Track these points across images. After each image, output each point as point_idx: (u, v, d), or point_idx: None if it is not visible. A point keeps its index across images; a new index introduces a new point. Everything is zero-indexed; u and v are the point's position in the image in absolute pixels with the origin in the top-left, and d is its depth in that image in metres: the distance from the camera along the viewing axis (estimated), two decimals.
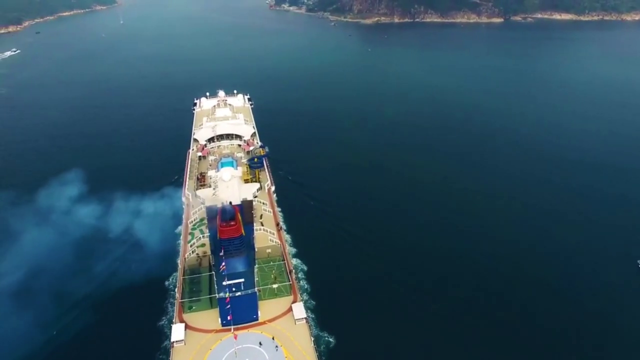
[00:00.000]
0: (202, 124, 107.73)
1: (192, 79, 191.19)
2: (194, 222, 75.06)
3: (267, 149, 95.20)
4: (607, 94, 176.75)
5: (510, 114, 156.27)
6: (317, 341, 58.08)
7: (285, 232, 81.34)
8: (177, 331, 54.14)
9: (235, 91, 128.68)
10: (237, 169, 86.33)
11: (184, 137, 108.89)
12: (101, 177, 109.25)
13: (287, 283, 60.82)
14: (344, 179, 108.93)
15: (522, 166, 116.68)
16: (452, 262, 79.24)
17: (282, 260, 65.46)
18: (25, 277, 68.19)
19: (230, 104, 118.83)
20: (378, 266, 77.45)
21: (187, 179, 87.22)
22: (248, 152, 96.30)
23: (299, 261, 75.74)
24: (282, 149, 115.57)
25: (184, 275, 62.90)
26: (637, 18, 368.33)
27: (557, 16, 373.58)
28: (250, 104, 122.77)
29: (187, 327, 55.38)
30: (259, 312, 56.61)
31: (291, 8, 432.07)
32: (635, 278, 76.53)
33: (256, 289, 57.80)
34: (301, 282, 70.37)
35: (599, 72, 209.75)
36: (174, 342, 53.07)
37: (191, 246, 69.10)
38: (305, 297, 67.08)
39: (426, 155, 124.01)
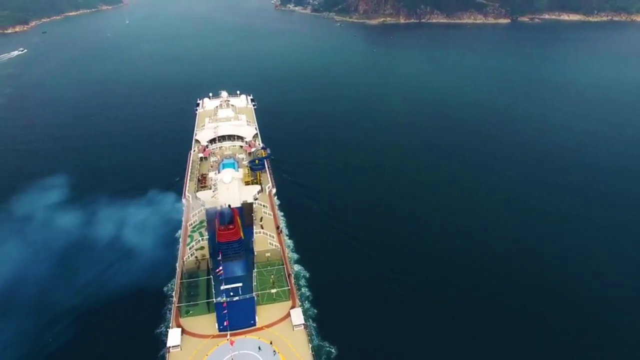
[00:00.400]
0: (204, 125, 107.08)
1: (196, 79, 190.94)
2: (193, 225, 74.23)
3: (268, 151, 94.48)
4: (617, 96, 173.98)
5: (516, 115, 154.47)
6: (318, 351, 57.08)
7: (287, 237, 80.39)
8: (174, 336, 53.26)
9: (238, 92, 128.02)
10: (238, 171, 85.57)
11: (187, 137, 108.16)
12: (102, 177, 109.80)
13: (286, 288, 59.74)
14: (348, 182, 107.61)
15: (525, 167, 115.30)
16: (460, 269, 77.24)
17: (282, 265, 64.40)
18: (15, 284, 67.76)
19: (232, 105, 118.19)
20: (383, 273, 75.49)
21: (188, 181, 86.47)
22: (250, 154, 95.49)
23: (300, 267, 74.12)
24: (284, 151, 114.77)
25: (181, 279, 61.99)
26: None
27: (565, 17, 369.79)
28: (253, 105, 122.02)
29: (183, 331, 54.49)
30: (256, 318, 55.58)
31: (296, 8, 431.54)
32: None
33: (254, 293, 56.95)
34: (302, 289, 68.94)
35: (609, 74, 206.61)
36: (169, 347, 52.19)
37: (190, 249, 68.29)
38: (307, 304, 65.86)
39: (432, 157, 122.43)
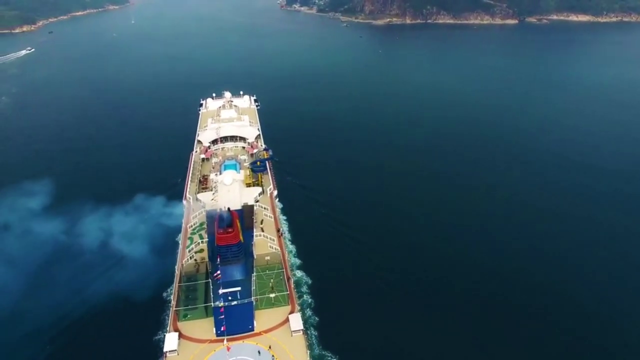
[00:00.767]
0: (206, 125, 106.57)
1: (200, 79, 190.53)
2: (193, 227, 73.51)
3: (271, 152, 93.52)
4: (628, 98, 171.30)
5: (522, 116, 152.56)
6: None
7: (289, 242, 79.43)
8: (170, 340, 52.56)
9: (241, 92, 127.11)
10: (240, 172, 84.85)
11: (190, 138, 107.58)
12: (104, 177, 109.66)
13: (285, 293, 58.82)
14: (352, 184, 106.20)
15: (531, 168, 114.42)
16: (470, 276, 75.41)
17: (282, 269, 63.49)
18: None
19: (235, 105, 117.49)
20: (388, 280, 73.38)
21: (189, 182, 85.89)
22: (252, 155, 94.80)
23: (303, 273, 72.62)
24: (288, 152, 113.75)
25: (180, 282, 61.30)
26: None
27: (573, 17, 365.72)
28: (257, 105, 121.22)
29: (181, 336, 53.76)
30: (254, 323, 54.73)
31: (302, 8, 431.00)
32: None
33: (253, 298, 56.08)
34: (304, 296, 67.71)
35: (619, 76, 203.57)
36: (166, 352, 51.50)
37: (189, 251, 67.56)
38: (308, 312, 64.71)
39: (439, 159, 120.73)
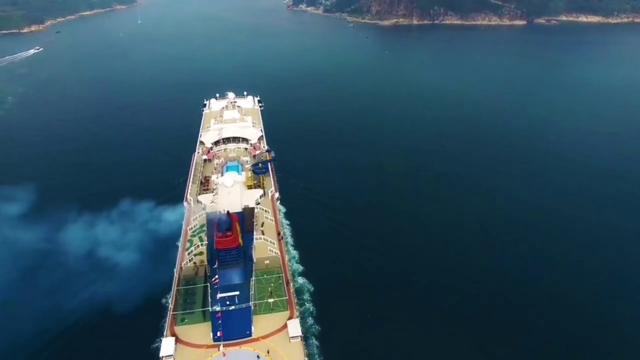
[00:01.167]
0: (209, 126, 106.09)
1: (205, 79, 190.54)
2: (193, 229, 72.73)
3: (273, 154, 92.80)
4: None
5: (529, 118, 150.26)
6: None
7: (292, 248, 78.32)
8: (167, 345, 51.72)
9: (245, 92, 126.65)
10: (241, 174, 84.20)
11: (193, 139, 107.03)
12: (103, 178, 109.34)
13: (284, 298, 57.82)
14: (357, 186, 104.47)
15: (537, 170, 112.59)
16: (478, 281, 73.86)
17: (281, 273, 62.50)
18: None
19: (239, 106, 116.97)
20: (395, 287, 71.50)
21: (190, 183, 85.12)
22: (254, 156, 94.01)
23: (304, 280, 71.21)
24: (291, 153, 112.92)
25: (178, 286, 60.53)
26: None
27: (583, 18, 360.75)
28: (260, 106, 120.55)
29: (178, 340, 52.96)
30: (252, 328, 53.80)
31: (308, 9, 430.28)
32: None
33: (251, 303, 55.27)
34: (306, 304, 66.46)
35: (631, 77, 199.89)
36: (163, 357, 50.68)
37: (189, 254, 66.84)
38: (310, 320, 63.57)
39: (445, 161, 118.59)
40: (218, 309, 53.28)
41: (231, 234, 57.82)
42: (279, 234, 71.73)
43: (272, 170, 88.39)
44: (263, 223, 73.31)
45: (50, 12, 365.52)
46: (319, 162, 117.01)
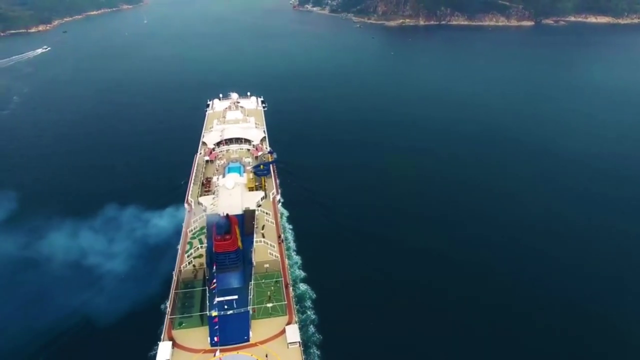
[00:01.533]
0: (212, 127, 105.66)
1: (210, 79, 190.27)
2: (193, 231, 72.05)
3: (275, 155, 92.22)
4: None
5: (535, 119, 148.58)
6: None
7: (294, 253, 77.32)
8: (164, 350, 51.06)
9: (248, 93, 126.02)
10: (243, 175, 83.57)
11: (196, 139, 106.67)
12: (105, 178, 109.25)
13: (283, 302, 56.96)
14: (363, 189, 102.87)
15: (545, 172, 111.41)
16: (495, 292, 72.08)
17: (281, 277, 61.67)
18: None
19: (242, 107, 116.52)
20: (402, 296, 69.50)
21: (192, 184, 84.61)
22: (257, 158, 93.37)
23: (307, 287, 69.68)
24: (294, 155, 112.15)
25: (177, 289, 59.87)
26: None
27: (592, 19, 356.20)
28: (264, 107, 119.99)
29: (175, 345, 52.29)
30: (250, 333, 53.01)
31: (314, 9, 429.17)
32: None
33: (249, 307, 54.49)
34: (308, 312, 65.11)
35: None
36: None
37: (188, 256, 66.22)
38: (311, 329, 62.42)
39: (453, 164, 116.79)
40: (215, 313, 52.60)
41: (230, 237, 57.09)
42: (279, 237, 70.83)
43: (274, 172, 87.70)
44: (264, 226, 72.49)
45: (58, 12, 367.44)
46: (323, 163, 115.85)
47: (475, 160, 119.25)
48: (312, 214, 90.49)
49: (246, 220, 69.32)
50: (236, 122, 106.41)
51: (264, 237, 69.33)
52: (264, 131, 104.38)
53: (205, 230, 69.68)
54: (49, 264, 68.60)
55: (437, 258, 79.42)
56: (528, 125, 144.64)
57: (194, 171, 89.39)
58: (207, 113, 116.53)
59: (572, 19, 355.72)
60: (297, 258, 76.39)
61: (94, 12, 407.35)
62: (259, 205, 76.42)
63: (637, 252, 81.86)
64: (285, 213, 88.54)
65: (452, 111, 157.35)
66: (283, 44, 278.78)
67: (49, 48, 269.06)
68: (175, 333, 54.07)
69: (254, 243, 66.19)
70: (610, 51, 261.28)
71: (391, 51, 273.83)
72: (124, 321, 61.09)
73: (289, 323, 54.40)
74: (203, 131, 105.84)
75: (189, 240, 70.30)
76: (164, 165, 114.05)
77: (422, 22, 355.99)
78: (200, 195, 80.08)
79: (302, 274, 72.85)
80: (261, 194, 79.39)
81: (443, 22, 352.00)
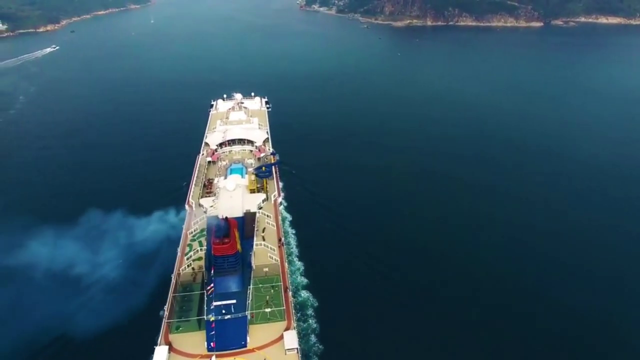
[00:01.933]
0: (215, 127, 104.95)
1: (215, 80, 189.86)
2: (194, 233, 71.21)
3: (277, 157, 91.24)
4: None
5: (541, 121, 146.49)
6: None
7: (297, 259, 76.34)
8: (160, 354, 50.29)
9: (252, 93, 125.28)
10: (245, 177, 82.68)
11: (199, 140, 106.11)
12: (106, 179, 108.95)
13: (282, 308, 55.94)
14: (366, 192, 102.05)
15: (550, 175, 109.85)
16: (495, 294, 71.24)
17: (280, 282, 60.65)
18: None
19: (245, 107, 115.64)
20: (407, 305, 68.14)
21: (193, 186, 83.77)
22: (259, 159, 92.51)
23: (309, 294, 68.54)
24: (297, 157, 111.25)
25: (175, 292, 59.05)
26: None
27: (603, 20, 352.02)
28: (268, 108, 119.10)
29: (171, 349, 51.49)
30: (248, 338, 52.05)
31: (321, 9, 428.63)
32: None
33: (247, 312, 53.58)
34: (309, 320, 64.14)
35: None
36: None
37: (187, 259, 65.40)
38: (312, 339, 61.53)
39: (459, 166, 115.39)
40: (213, 318, 51.80)
41: (229, 241, 56.17)
42: (280, 240, 69.78)
43: (276, 173, 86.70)
44: (264, 228, 71.46)
45: (66, 11, 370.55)
46: (326, 165, 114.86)
47: (481, 161, 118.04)
48: (315, 218, 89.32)
49: (246, 223, 68.50)
50: (239, 122, 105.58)
51: (264, 240, 68.37)
52: (267, 132, 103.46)
53: (205, 233, 68.90)
54: (50, 264, 68.25)
55: (442, 263, 78.34)
56: (534, 127, 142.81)
57: (196, 172, 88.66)
58: (210, 113, 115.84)
59: (583, 19, 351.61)
60: (299, 264, 75.24)
61: (102, 12, 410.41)
62: (260, 208, 75.49)
63: (638, 252, 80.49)
64: (288, 217, 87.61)
65: (458, 113, 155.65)
66: (289, 45, 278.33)
67: (57, 47, 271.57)
68: (173, 337, 53.25)
69: (254, 246, 65.29)
70: (622, 52, 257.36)
71: (398, 52, 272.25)
72: (122, 325, 60.42)
73: (287, 329, 53.36)
74: (206, 132, 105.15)
75: (188, 242, 69.46)
76: (168, 166, 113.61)
77: (429, 23, 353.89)
78: (202, 197, 79.28)
79: (305, 280, 71.62)
80: (262, 196, 78.40)
81: (451, 23, 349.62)
